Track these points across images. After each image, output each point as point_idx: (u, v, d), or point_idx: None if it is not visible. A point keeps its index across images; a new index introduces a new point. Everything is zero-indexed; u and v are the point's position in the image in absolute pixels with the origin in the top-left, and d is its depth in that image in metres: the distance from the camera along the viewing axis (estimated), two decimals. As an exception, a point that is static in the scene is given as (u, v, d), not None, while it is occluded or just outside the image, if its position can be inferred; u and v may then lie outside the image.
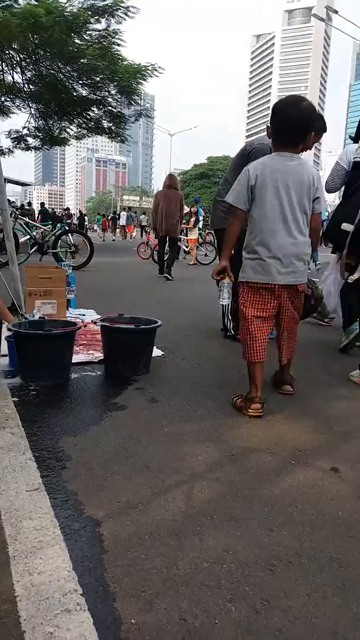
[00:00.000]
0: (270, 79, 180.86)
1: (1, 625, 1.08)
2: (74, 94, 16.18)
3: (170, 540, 1.41)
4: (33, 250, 9.24)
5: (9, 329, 2.73)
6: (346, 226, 3.28)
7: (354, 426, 2.35)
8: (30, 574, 1.24)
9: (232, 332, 3.97)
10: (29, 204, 30.01)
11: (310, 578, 1.29)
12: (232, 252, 2.75)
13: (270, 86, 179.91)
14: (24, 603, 1.15)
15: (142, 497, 1.63)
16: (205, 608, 1.17)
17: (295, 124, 2.46)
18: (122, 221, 30.49)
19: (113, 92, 16.13)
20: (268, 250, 2.44)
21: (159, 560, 1.32)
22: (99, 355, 3.19)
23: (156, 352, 3.34)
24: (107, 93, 16.30)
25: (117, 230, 33.36)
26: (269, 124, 2.58)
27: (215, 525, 1.50)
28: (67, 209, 34.00)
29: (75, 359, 3.05)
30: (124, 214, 30.88)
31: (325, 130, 3.44)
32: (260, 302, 2.50)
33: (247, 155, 3.76)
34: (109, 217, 37.80)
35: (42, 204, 26.44)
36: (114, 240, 30.11)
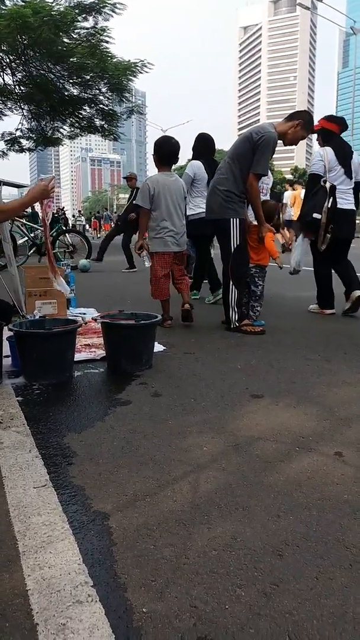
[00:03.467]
0: (260, 70, 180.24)
1: (14, 619, 1.10)
2: (65, 93, 16.17)
3: (178, 530, 1.42)
4: (31, 251, 9.25)
5: (10, 329, 2.74)
6: (316, 215, 4.57)
7: (356, 411, 2.36)
8: (41, 568, 1.25)
9: (237, 324, 3.97)
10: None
11: (318, 560, 1.30)
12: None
13: (260, 77, 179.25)
14: (35, 596, 1.16)
15: (148, 489, 1.64)
16: (215, 594, 1.18)
17: (170, 154, 4.21)
18: (103, 221, 35.10)
19: (104, 89, 16.12)
20: (166, 232, 4.08)
21: (168, 550, 1.34)
22: (101, 352, 3.20)
23: (158, 347, 3.35)
24: (98, 91, 16.29)
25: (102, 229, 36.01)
26: (153, 154, 4.22)
27: (223, 514, 1.51)
28: (62, 208, 34.45)
29: (78, 357, 3.07)
30: (106, 214, 35.99)
31: (311, 129, 4.22)
32: (165, 262, 4.14)
33: (255, 142, 3.78)
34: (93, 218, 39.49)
35: (32, 207, 26.62)
36: (99, 237, 30.95)
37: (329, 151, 4.63)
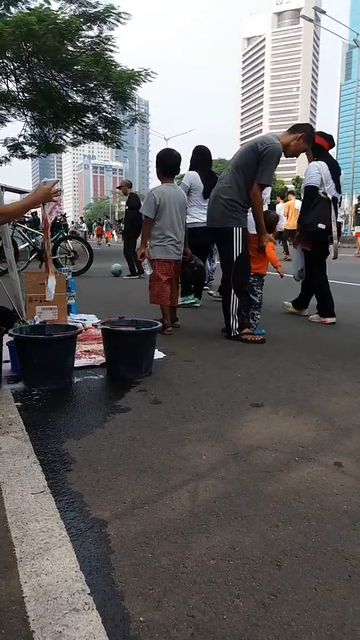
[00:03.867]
0: (262, 81, 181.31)
1: (10, 626, 1.09)
2: (69, 100, 16.26)
3: (176, 539, 1.42)
4: (32, 257, 9.26)
5: (10, 334, 2.74)
6: (321, 225, 4.65)
7: (356, 421, 2.35)
8: (38, 575, 1.24)
9: (237, 332, 3.97)
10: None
11: (316, 571, 1.29)
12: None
13: (263, 88, 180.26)
14: (32, 604, 1.15)
15: (147, 497, 1.64)
16: (213, 604, 1.17)
17: (173, 166, 4.41)
18: (104, 228, 36.75)
19: (107, 98, 16.20)
20: (168, 241, 4.21)
21: (166, 559, 1.33)
22: (100, 359, 3.20)
23: (158, 354, 3.35)
24: (101, 99, 16.37)
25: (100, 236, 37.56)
26: (156, 167, 4.44)
27: (221, 523, 1.50)
28: (64, 214, 35.02)
29: (78, 363, 3.06)
30: (106, 221, 37.62)
31: (312, 140, 4.27)
32: (166, 270, 4.24)
33: (260, 153, 3.80)
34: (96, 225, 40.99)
35: (34, 213, 27.01)
36: (99, 244, 31.80)
37: (324, 165, 4.75)
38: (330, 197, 4.64)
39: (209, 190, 4.73)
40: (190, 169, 5.79)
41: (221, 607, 1.16)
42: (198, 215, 5.50)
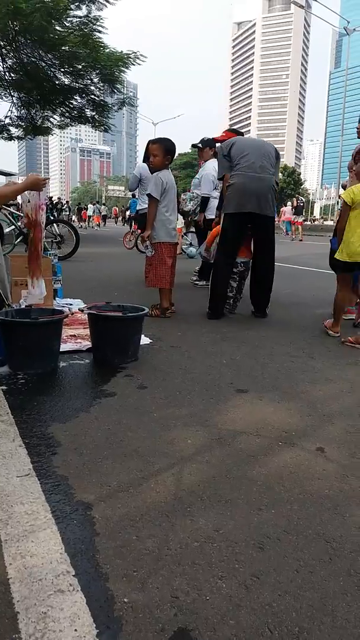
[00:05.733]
0: (252, 67, 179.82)
1: (-5, 607, 1.10)
2: (56, 82, 15.98)
3: (161, 522, 1.43)
4: (18, 240, 9.16)
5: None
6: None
7: (338, 408, 2.38)
8: (23, 557, 1.25)
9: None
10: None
11: (298, 554, 1.32)
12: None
13: (252, 74, 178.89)
14: (17, 585, 1.16)
15: (132, 480, 1.65)
16: (196, 585, 1.19)
17: (174, 154, 4.47)
18: (89, 212, 37.69)
19: (95, 80, 15.95)
20: (170, 224, 4.33)
21: (150, 541, 1.34)
22: (87, 343, 3.19)
23: (144, 339, 3.35)
24: (89, 81, 16.12)
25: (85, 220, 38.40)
26: (154, 156, 4.34)
27: (205, 506, 1.52)
28: (59, 198, 35.67)
29: (64, 347, 3.05)
30: (91, 207, 38.72)
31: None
32: (171, 253, 4.36)
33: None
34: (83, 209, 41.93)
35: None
36: (85, 228, 32.09)
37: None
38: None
39: None
40: (143, 161, 6.17)
41: (204, 588, 1.18)
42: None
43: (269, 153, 4.38)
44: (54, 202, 34.12)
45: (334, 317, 3.94)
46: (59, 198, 40.40)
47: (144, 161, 6.16)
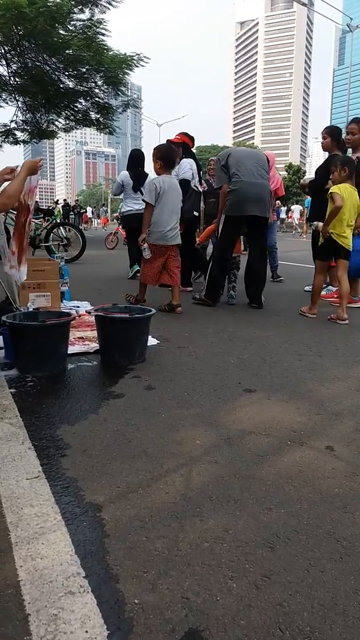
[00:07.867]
0: (256, 66, 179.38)
1: (6, 610, 1.10)
2: (61, 85, 16.04)
3: (170, 522, 1.43)
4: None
5: (3, 321, 2.73)
6: (195, 213, 5.70)
7: (347, 406, 2.37)
8: (33, 559, 1.25)
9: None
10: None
11: (308, 553, 1.31)
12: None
13: (256, 73, 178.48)
14: (27, 587, 1.16)
15: (141, 481, 1.65)
16: (206, 586, 1.19)
17: (171, 158, 4.78)
18: (89, 214, 39.94)
19: (99, 83, 15.99)
20: (166, 227, 4.45)
21: (160, 542, 1.34)
22: (94, 345, 3.20)
23: (152, 341, 3.35)
24: (93, 84, 16.17)
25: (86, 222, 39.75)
26: (157, 160, 4.60)
27: (215, 506, 1.51)
28: (74, 202, 37.06)
29: (71, 349, 3.06)
30: (89, 209, 42.13)
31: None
32: (159, 253, 4.50)
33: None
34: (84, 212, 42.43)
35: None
36: (86, 229, 32.46)
37: (193, 162, 5.72)
38: (200, 189, 5.66)
39: (138, 186, 6.52)
40: (127, 169, 6.90)
41: (215, 589, 1.18)
42: (132, 205, 6.71)
43: (262, 161, 4.83)
44: (71, 204, 34.95)
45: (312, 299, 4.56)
46: (76, 201, 42.45)
47: (127, 169, 6.87)
